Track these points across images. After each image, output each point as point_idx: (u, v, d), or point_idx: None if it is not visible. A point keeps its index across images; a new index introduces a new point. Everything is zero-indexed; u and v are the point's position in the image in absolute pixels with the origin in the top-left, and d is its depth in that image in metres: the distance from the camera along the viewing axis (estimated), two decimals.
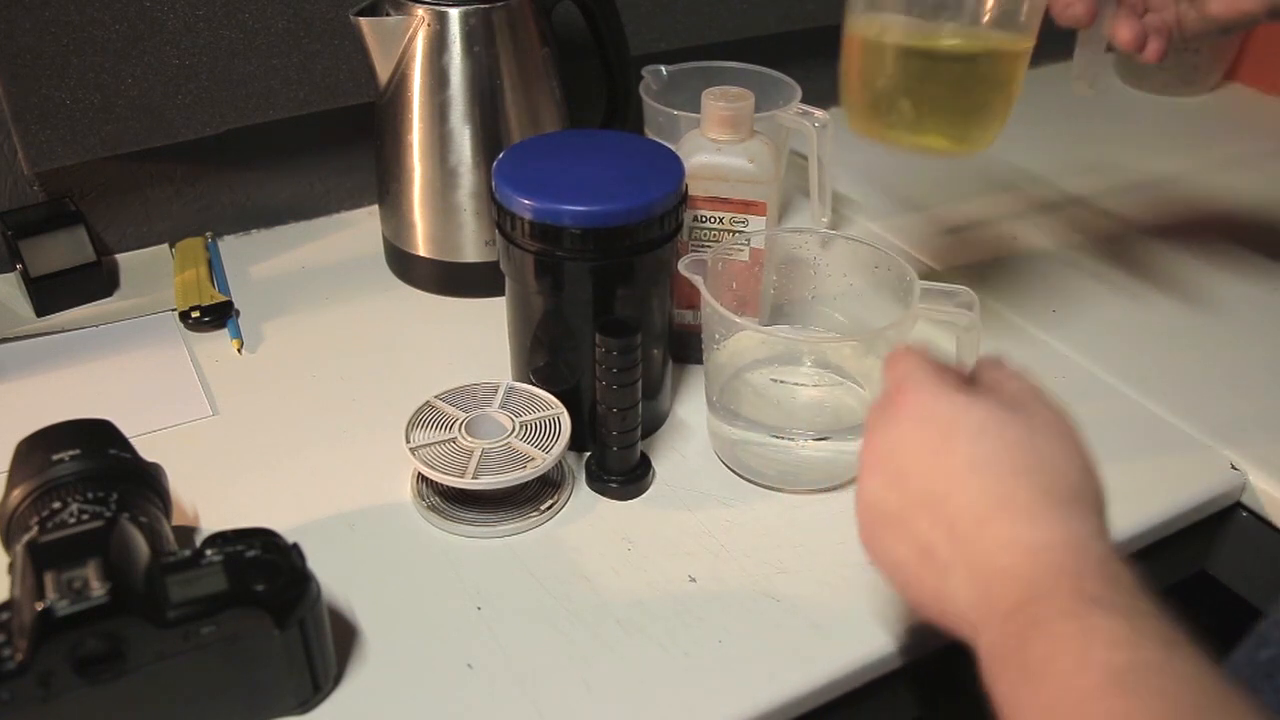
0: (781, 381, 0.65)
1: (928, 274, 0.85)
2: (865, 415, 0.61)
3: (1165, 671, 0.36)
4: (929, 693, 0.60)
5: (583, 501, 0.62)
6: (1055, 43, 1.29)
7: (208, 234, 0.86)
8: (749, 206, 0.67)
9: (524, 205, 0.59)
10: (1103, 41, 0.63)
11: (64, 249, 0.77)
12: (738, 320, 0.60)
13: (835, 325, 0.69)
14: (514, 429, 0.61)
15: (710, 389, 0.65)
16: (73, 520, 0.48)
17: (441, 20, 0.73)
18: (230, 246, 0.86)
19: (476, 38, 0.74)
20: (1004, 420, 0.45)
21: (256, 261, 0.84)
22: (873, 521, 0.47)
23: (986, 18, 0.60)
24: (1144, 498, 0.63)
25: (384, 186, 0.80)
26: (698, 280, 0.61)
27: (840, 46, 0.62)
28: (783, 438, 0.62)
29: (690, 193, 0.64)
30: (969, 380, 0.49)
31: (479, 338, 0.74)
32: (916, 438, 0.45)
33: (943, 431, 0.45)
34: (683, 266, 0.61)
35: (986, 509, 0.43)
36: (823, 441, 0.63)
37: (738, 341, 0.64)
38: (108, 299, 0.79)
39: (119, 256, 0.84)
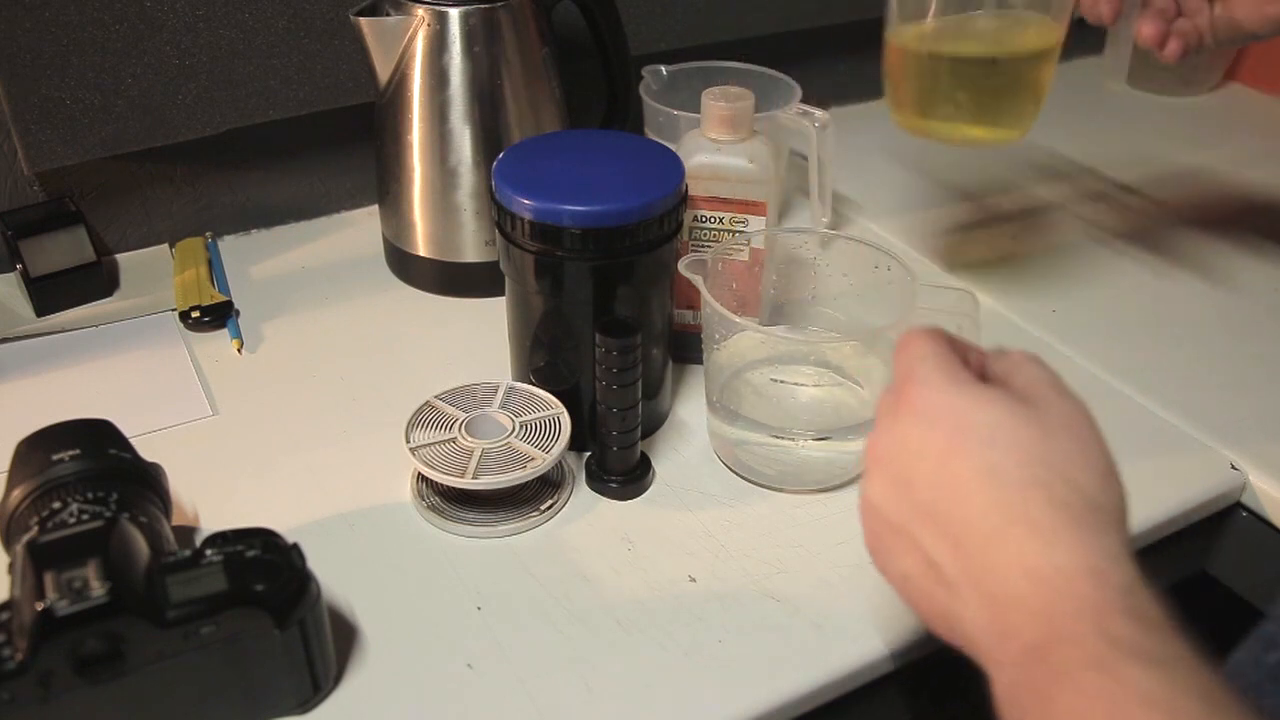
0: (781, 381, 0.65)
1: (928, 274, 0.85)
2: (868, 412, 0.61)
3: None
4: (929, 693, 0.60)
5: (583, 501, 0.62)
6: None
7: (208, 234, 0.86)
8: (749, 206, 0.67)
9: (524, 205, 0.59)
10: (1130, 39, 0.66)
11: (64, 249, 0.77)
12: (738, 320, 0.60)
13: (835, 325, 0.69)
14: (514, 429, 0.61)
15: (710, 389, 0.65)
16: (73, 520, 0.48)
17: (441, 20, 0.73)
18: (230, 246, 0.86)
19: (476, 38, 0.74)
20: (1017, 420, 0.41)
21: (256, 261, 0.84)
22: (877, 528, 0.44)
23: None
24: (1144, 498, 0.63)
25: (384, 186, 0.80)
26: (698, 280, 0.61)
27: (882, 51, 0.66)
28: (783, 438, 0.62)
29: (690, 193, 0.64)
30: (982, 368, 0.46)
31: (479, 338, 0.74)
32: (922, 438, 0.42)
33: (950, 433, 0.41)
34: (683, 266, 0.61)
35: (996, 524, 0.39)
36: (823, 441, 0.63)
37: (738, 341, 0.64)
38: (108, 299, 0.79)
39: (119, 256, 0.84)
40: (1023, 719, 0.37)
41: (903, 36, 0.67)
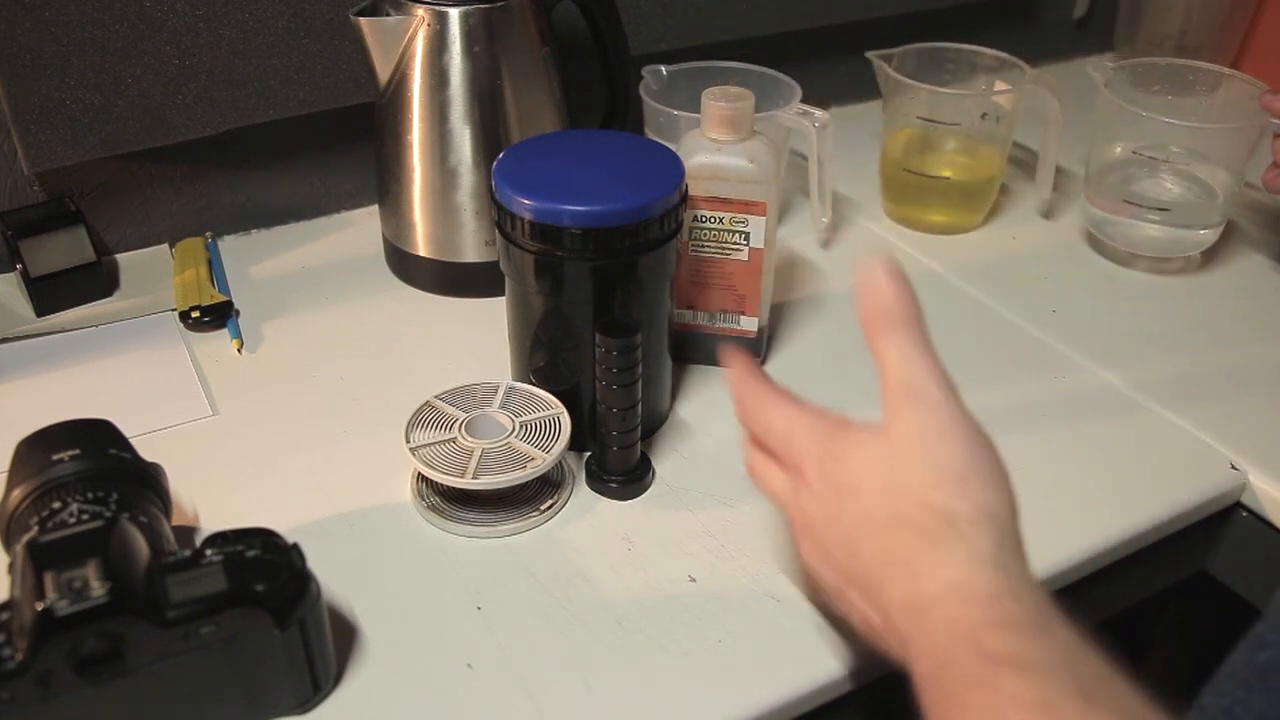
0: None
1: (927, 274, 0.85)
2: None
3: None
4: None
5: (583, 501, 0.62)
6: (1055, 41, 1.28)
7: (208, 234, 0.86)
8: (749, 206, 0.67)
9: (524, 205, 0.59)
10: None
11: (64, 249, 0.77)
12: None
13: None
14: (514, 429, 0.61)
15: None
16: (73, 520, 0.48)
17: (441, 20, 0.73)
18: (230, 246, 0.86)
19: (476, 38, 0.74)
20: (870, 456, 0.43)
21: (256, 261, 0.84)
22: (828, 593, 0.46)
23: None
24: (1144, 498, 0.63)
25: (384, 186, 0.80)
26: None
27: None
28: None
29: (690, 193, 0.64)
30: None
31: (479, 338, 0.74)
32: (815, 507, 0.44)
33: (831, 494, 0.44)
34: None
35: (881, 570, 0.41)
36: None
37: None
38: (108, 299, 0.79)
39: (119, 256, 0.84)
40: None
41: (887, 153, 0.90)
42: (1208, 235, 0.85)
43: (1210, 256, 0.87)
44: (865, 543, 0.42)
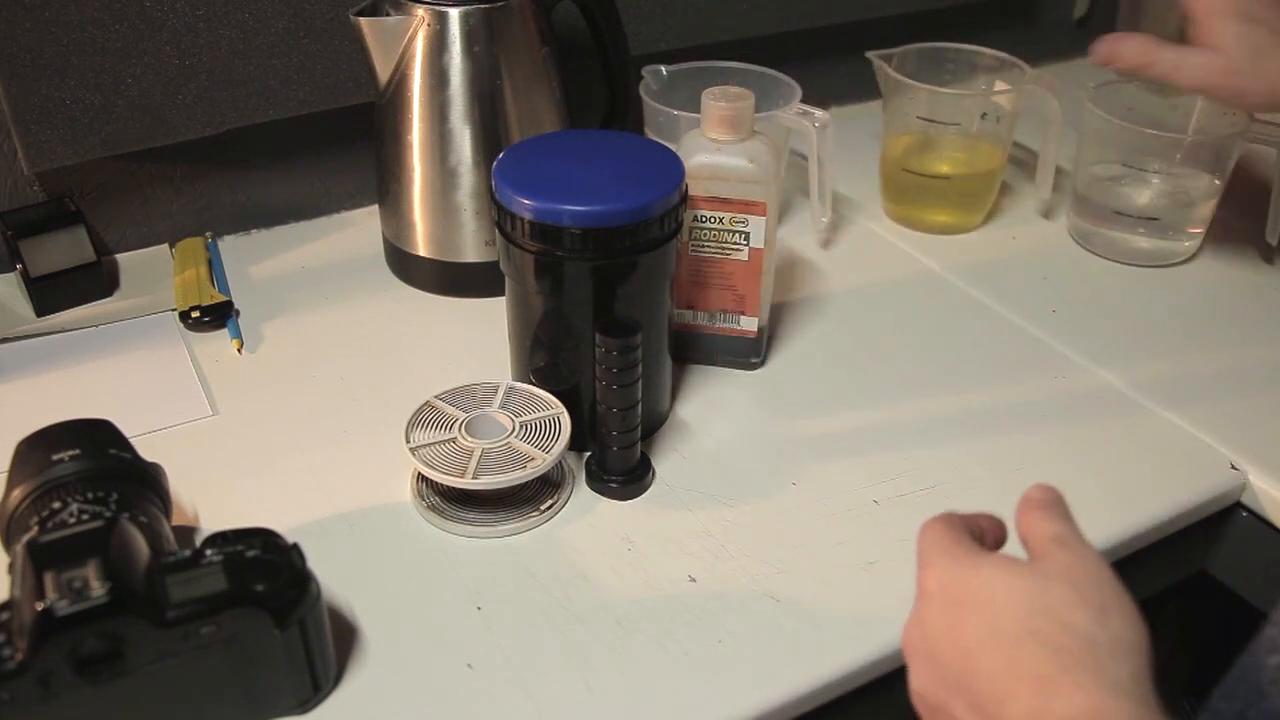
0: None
1: (927, 274, 0.85)
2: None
3: None
4: None
5: (583, 501, 0.62)
6: (1055, 41, 1.28)
7: (208, 234, 0.86)
8: (749, 206, 0.67)
9: (524, 205, 0.59)
10: None
11: (64, 249, 0.77)
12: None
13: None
14: (514, 429, 0.61)
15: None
16: (73, 520, 0.48)
17: (441, 20, 0.73)
18: (230, 246, 0.86)
19: (476, 38, 0.74)
20: (1011, 576, 0.42)
21: (256, 261, 0.84)
22: (925, 713, 0.44)
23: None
24: (1144, 498, 0.63)
25: (384, 186, 0.80)
26: None
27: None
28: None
29: (690, 193, 0.64)
30: (1000, 539, 0.47)
31: (479, 338, 0.74)
32: (934, 616, 0.43)
33: (955, 604, 0.42)
34: None
35: (1004, 685, 0.39)
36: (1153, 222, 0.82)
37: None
38: (108, 299, 0.79)
39: (119, 256, 0.84)
40: None
41: (887, 153, 0.90)
42: (1190, 245, 0.86)
43: (1212, 258, 0.87)
44: (988, 655, 0.40)
